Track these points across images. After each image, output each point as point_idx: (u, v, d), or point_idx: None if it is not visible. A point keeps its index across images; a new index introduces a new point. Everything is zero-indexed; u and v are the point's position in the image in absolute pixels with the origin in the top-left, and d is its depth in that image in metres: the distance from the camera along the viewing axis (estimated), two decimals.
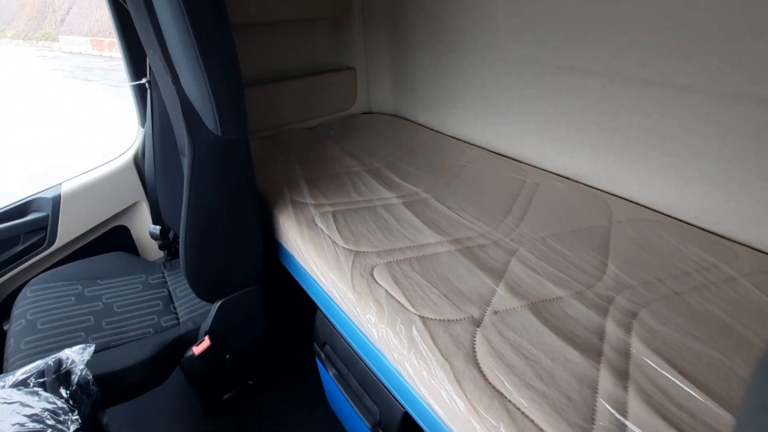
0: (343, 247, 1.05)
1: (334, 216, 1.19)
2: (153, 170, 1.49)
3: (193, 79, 0.92)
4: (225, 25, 0.90)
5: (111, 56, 12.99)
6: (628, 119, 1.19)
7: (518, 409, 0.64)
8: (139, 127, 1.62)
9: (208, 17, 0.85)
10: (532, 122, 1.45)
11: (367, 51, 1.99)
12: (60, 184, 1.54)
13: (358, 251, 1.04)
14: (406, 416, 0.84)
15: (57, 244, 1.50)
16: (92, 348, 0.97)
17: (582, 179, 1.36)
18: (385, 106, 2.10)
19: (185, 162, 1.01)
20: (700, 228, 1.11)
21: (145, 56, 1.39)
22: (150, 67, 1.35)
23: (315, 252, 1.07)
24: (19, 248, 1.44)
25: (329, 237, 1.10)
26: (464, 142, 1.72)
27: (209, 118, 0.97)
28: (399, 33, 1.85)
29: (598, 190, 1.31)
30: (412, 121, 1.98)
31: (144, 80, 1.39)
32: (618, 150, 1.24)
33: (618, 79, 1.17)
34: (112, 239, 1.64)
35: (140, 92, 1.54)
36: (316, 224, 1.16)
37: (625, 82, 1.16)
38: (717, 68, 0.99)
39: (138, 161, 1.64)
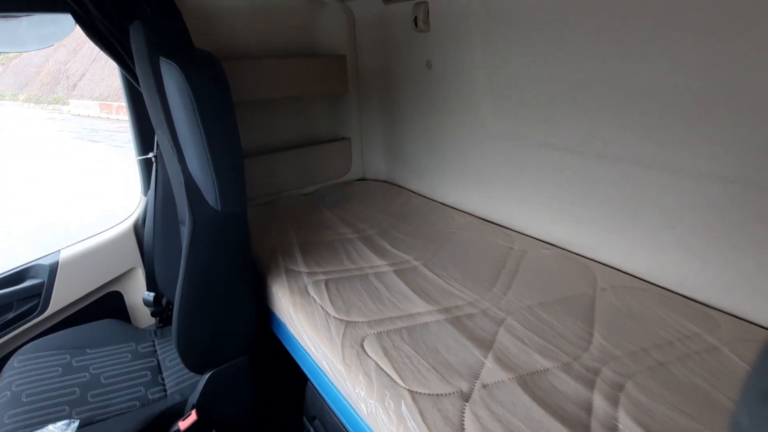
0: (334, 317, 1.07)
1: (326, 284, 1.22)
2: (152, 238, 1.53)
3: (197, 160, 1.00)
4: (230, 112, 0.99)
5: (118, 119, 13.55)
6: (603, 191, 1.26)
7: None
8: (142, 195, 1.69)
9: (215, 107, 0.94)
10: (516, 191, 1.53)
11: (361, 122, 2.13)
12: (59, 251, 1.57)
13: (349, 321, 1.06)
14: None
15: (50, 311, 1.50)
16: (76, 424, 0.95)
17: (567, 246, 1.41)
18: (378, 173, 2.20)
19: (185, 232, 1.06)
20: (681, 295, 1.15)
21: (153, 132, 1.49)
22: (157, 143, 1.45)
23: (307, 322, 1.09)
24: (11, 315, 1.44)
25: (321, 306, 1.12)
26: (453, 208, 1.80)
27: (210, 194, 1.03)
28: (391, 107, 1.99)
29: (583, 257, 1.36)
30: (404, 188, 2.07)
31: (151, 155, 1.48)
32: (597, 219, 1.30)
33: (590, 156, 1.27)
34: (105, 305, 1.64)
35: (145, 164, 1.62)
36: (308, 293, 1.19)
37: (597, 159, 1.25)
38: (675, 148, 1.08)
39: (138, 228, 1.69)
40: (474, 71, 1.51)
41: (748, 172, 0.97)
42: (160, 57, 0.95)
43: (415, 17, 1.61)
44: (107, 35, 1.29)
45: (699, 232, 1.09)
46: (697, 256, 1.11)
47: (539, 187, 1.44)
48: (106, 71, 15.28)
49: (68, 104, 15.68)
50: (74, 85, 15.74)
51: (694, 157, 1.05)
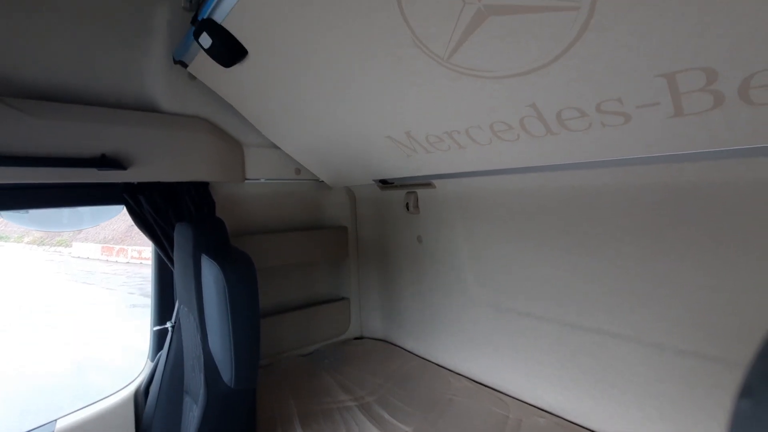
0: None
1: None
2: (154, 404, 1.55)
3: (219, 340, 1.13)
4: (256, 304, 1.16)
5: (117, 261, 13.86)
6: (583, 359, 1.38)
7: None
8: (148, 360, 1.75)
9: (243, 301, 1.12)
10: (506, 358, 1.63)
11: (360, 284, 2.33)
12: (55, 420, 1.56)
13: None
14: None
15: None
16: None
17: (560, 413, 1.46)
18: (375, 331, 2.31)
19: (189, 402, 1.13)
20: None
21: (172, 305, 1.64)
22: (177, 315, 1.59)
23: None
24: None
25: None
26: (449, 371, 1.86)
27: (226, 372, 1.13)
28: (387, 273, 2.22)
29: (577, 425, 1.40)
30: (401, 347, 2.16)
31: (168, 324, 1.61)
32: (584, 386, 1.39)
33: (565, 325, 1.42)
34: None
35: (159, 332, 1.73)
36: None
37: (571, 328, 1.40)
38: (639, 321, 1.24)
39: (138, 395, 1.70)
40: (459, 248, 1.77)
41: (701, 346, 1.12)
42: (203, 254, 1.16)
43: (407, 203, 1.94)
44: (153, 225, 1.55)
45: (677, 402, 1.18)
46: (680, 426, 1.17)
47: (526, 353, 1.55)
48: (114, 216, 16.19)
49: (71, 246, 16.18)
50: (80, 229, 16.47)
51: (657, 329, 1.20)
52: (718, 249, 1.04)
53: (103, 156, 1.42)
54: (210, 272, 1.12)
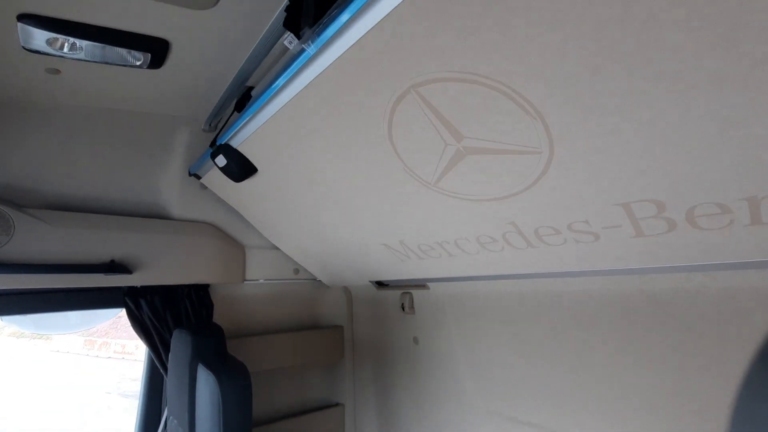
0: None
1: None
2: None
3: None
4: (249, 415, 1.14)
5: (98, 356, 13.10)
6: None
7: None
8: None
9: (237, 412, 1.11)
10: None
11: (355, 389, 2.25)
12: None
13: None
14: None
15: None
16: None
17: None
18: None
19: None
20: None
21: (158, 413, 1.58)
22: (165, 426, 1.52)
23: None
24: None
25: None
26: None
27: None
28: (383, 376, 2.16)
29: None
30: None
31: None
32: None
33: None
34: None
35: None
36: None
37: None
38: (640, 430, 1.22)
39: None
40: (455, 351, 1.77)
41: None
42: (199, 364, 1.18)
43: (402, 303, 1.98)
44: (150, 329, 1.57)
45: None
46: None
47: None
48: None
49: (51, 339, 15.41)
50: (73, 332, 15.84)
51: None
52: (692, 357, 1.08)
53: (112, 261, 1.50)
54: (206, 383, 1.12)
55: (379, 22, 0.73)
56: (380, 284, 2.03)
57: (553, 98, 0.72)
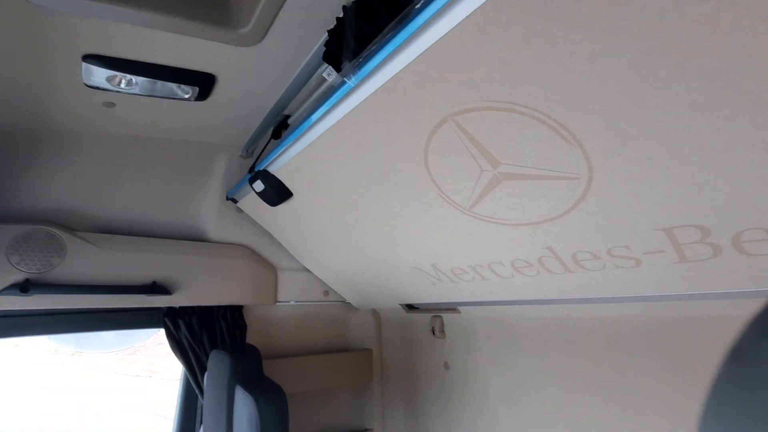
0: None
1: None
2: None
3: None
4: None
5: (125, 374, 13.21)
6: None
7: None
8: None
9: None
10: None
11: (384, 413, 2.22)
12: None
13: None
14: None
15: None
16: None
17: None
18: None
19: None
20: None
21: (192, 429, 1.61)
22: None
23: None
24: None
25: None
26: None
27: None
28: (413, 401, 2.13)
29: None
30: None
31: None
32: None
33: None
34: None
35: None
36: None
37: None
38: None
39: None
40: (487, 378, 1.73)
41: None
42: (237, 385, 1.20)
43: (432, 327, 1.96)
44: (187, 350, 1.61)
45: None
46: None
47: None
48: None
49: (83, 355, 15.80)
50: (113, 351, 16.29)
51: None
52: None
53: (154, 283, 1.56)
54: (244, 405, 1.14)
55: (419, 56, 0.77)
56: (410, 307, 2.03)
57: (593, 125, 0.73)
